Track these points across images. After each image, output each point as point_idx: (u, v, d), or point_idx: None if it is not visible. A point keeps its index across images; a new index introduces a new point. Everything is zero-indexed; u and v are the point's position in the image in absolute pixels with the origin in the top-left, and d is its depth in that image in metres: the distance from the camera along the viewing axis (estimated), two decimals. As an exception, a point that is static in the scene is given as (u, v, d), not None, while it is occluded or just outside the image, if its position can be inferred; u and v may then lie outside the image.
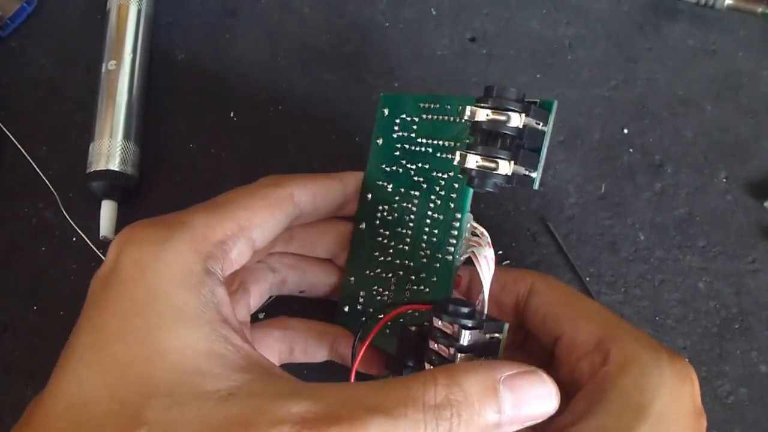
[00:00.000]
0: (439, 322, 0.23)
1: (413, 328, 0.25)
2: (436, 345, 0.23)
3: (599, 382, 0.23)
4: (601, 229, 0.35)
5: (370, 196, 0.29)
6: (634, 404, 0.21)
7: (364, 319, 0.28)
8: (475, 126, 0.24)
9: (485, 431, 0.19)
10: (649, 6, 0.39)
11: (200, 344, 0.19)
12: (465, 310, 0.23)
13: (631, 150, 0.37)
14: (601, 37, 0.38)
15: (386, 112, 0.29)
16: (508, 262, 0.34)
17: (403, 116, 0.29)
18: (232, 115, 0.35)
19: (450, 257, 0.26)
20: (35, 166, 0.34)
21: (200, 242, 0.21)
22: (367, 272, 0.28)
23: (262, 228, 0.24)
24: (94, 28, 0.36)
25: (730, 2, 0.37)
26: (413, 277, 0.27)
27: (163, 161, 0.35)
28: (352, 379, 0.26)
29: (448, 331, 0.23)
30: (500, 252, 0.34)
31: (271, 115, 0.36)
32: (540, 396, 0.20)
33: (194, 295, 0.20)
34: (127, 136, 0.33)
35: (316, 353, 0.30)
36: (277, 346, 0.29)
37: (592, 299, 0.26)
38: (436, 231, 0.27)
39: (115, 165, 0.32)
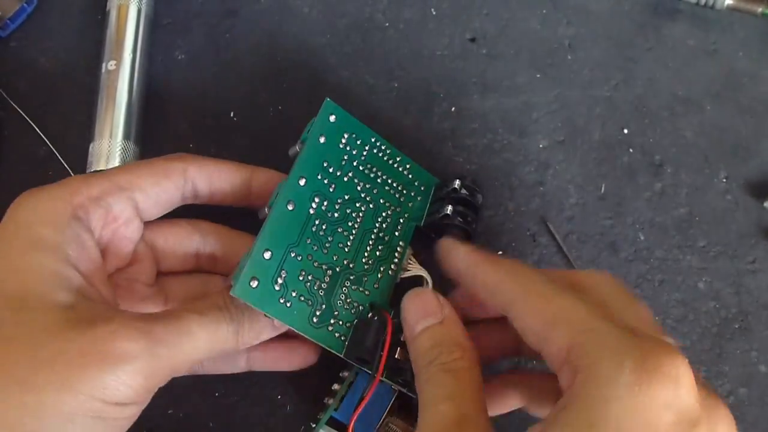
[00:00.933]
0: None
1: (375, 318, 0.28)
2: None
3: (567, 395, 0.21)
4: (601, 229, 0.35)
5: (303, 182, 0.28)
6: (588, 417, 0.19)
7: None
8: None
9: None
10: (649, 6, 0.39)
11: (50, 267, 0.23)
12: None
13: (631, 150, 0.37)
14: (601, 38, 0.38)
15: (333, 119, 0.30)
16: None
17: (353, 135, 0.30)
18: (232, 115, 0.35)
19: (392, 273, 0.30)
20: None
21: (72, 194, 0.25)
22: (293, 255, 0.27)
23: (145, 192, 0.27)
24: (94, 28, 0.36)
25: (731, 2, 0.37)
26: (353, 277, 0.29)
27: (163, 161, 0.35)
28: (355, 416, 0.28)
29: None
30: (500, 252, 0.34)
31: (270, 116, 0.36)
32: None
33: (54, 230, 0.24)
34: (127, 136, 0.33)
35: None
36: (185, 245, 0.30)
37: (561, 291, 0.23)
38: (381, 248, 0.30)
39: (115, 165, 0.32)
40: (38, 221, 0.24)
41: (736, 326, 0.34)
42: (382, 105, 0.36)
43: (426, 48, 0.37)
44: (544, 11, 0.38)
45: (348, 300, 0.28)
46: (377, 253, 0.30)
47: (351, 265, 0.29)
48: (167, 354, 0.23)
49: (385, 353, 0.27)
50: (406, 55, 0.37)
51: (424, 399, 0.24)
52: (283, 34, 0.37)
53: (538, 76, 0.37)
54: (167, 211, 0.29)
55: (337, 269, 0.28)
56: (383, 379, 0.27)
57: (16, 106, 0.35)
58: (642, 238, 0.35)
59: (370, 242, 0.30)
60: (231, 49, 0.36)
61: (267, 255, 0.26)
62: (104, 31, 0.35)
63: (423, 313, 0.26)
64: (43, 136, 0.35)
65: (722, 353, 0.34)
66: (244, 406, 0.32)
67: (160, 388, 0.32)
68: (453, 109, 0.36)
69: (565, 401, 0.20)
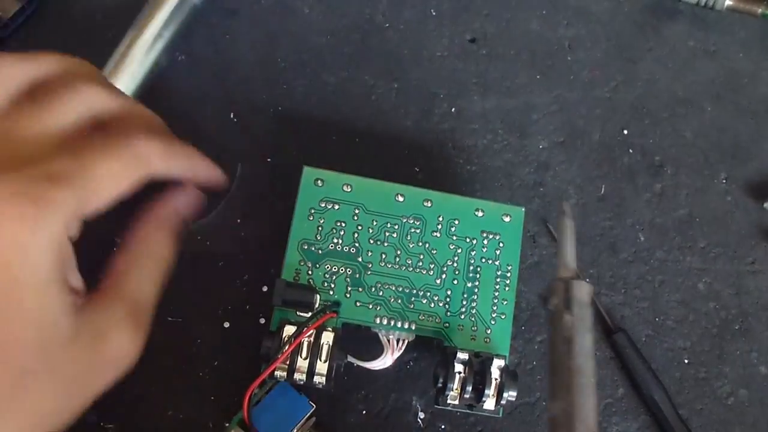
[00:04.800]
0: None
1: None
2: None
3: None
4: (600, 230, 0.35)
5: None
6: None
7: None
8: None
9: None
10: (649, 7, 0.39)
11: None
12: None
13: (631, 151, 0.37)
14: (601, 38, 0.38)
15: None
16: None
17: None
18: (232, 116, 0.35)
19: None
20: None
21: (69, 226, 0.23)
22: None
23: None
24: (94, 30, 0.36)
25: (730, 3, 0.37)
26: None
27: (162, 162, 0.35)
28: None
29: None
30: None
31: (270, 116, 0.36)
32: None
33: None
34: None
35: None
36: None
37: None
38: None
39: None
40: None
41: (736, 327, 0.34)
42: (382, 106, 0.36)
43: (426, 49, 0.37)
44: (544, 12, 0.38)
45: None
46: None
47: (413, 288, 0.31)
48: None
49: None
50: (406, 55, 0.37)
51: None
52: (283, 35, 0.37)
53: (538, 77, 0.37)
54: None
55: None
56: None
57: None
58: (642, 239, 0.35)
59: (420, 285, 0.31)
60: (231, 49, 0.36)
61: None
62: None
63: None
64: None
65: (722, 354, 0.34)
66: (244, 407, 0.32)
67: (159, 390, 0.32)
68: (453, 109, 0.36)
69: None
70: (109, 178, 0.24)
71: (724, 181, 0.36)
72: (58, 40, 0.36)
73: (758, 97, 0.38)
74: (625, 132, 0.37)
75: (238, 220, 0.34)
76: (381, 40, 0.37)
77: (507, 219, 0.31)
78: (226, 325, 0.32)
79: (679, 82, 0.38)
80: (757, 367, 0.34)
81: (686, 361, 0.34)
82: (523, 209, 0.32)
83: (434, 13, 0.38)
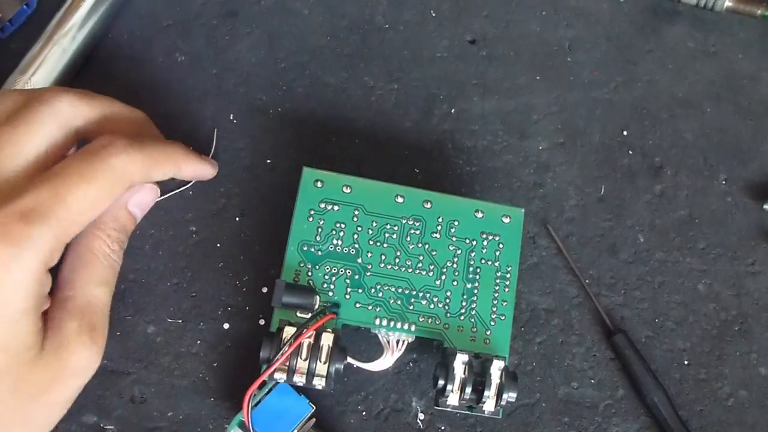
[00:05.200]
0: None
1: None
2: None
3: None
4: (600, 231, 0.35)
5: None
6: None
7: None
8: None
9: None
10: (649, 8, 0.39)
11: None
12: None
13: (630, 152, 0.37)
14: (601, 39, 0.38)
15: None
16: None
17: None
18: (231, 117, 0.35)
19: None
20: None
21: (47, 260, 0.23)
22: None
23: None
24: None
25: (730, 4, 0.37)
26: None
27: (162, 163, 0.35)
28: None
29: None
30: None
31: (270, 117, 0.36)
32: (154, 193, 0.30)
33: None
34: None
35: None
36: None
37: None
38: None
39: None
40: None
41: (736, 328, 0.34)
42: (382, 106, 0.36)
43: (426, 50, 0.37)
44: (544, 13, 0.38)
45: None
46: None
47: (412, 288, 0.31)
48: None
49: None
50: (405, 56, 0.37)
51: None
52: (283, 36, 0.37)
53: (538, 77, 0.37)
54: None
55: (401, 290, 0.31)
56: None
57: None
58: (642, 240, 0.35)
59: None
60: (231, 49, 0.36)
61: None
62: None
63: None
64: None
65: (722, 355, 0.34)
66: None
67: (159, 390, 0.32)
68: (453, 110, 0.36)
69: None
70: (87, 205, 0.24)
71: (724, 181, 0.36)
72: (59, 41, 0.36)
73: (758, 97, 0.38)
74: (625, 133, 0.37)
75: (237, 219, 0.34)
76: (381, 41, 0.37)
77: (507, 220, 0.31)
78: (226, 326, 0.32)
79: (679, 83, 0.38)
80: (757, 368, 0.34)
81: (686, 362, 0.34)
82: (523, 210, 0.32)
83: (434, 14, 0.38)
